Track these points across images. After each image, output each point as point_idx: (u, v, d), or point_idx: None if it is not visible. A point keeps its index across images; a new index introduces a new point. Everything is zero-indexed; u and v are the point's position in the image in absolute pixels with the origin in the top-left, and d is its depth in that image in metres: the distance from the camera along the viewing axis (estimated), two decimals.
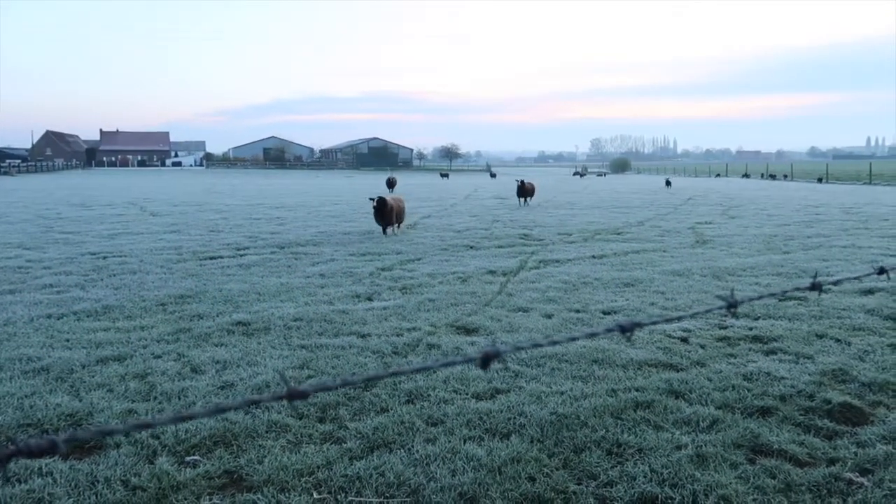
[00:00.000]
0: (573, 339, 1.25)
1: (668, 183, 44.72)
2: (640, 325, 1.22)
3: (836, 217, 19.78)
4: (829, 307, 7.63)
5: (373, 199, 15.01)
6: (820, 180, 54.90)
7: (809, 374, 5.40)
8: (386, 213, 14.85)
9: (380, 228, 15.35)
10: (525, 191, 25.41)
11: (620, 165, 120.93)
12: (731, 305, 1.49)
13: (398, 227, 15.68)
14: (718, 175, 76.13)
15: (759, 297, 1.92)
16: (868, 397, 4.94)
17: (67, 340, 6.37)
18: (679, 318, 1.51)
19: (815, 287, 1.73)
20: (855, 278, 2.52)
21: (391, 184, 36.39)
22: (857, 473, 3.82)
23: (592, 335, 1.21)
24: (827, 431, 4.38)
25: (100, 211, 21.98)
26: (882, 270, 1.98)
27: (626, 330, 1.21)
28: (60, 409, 4.69)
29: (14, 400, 4.83)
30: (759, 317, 7.22)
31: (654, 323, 1.44)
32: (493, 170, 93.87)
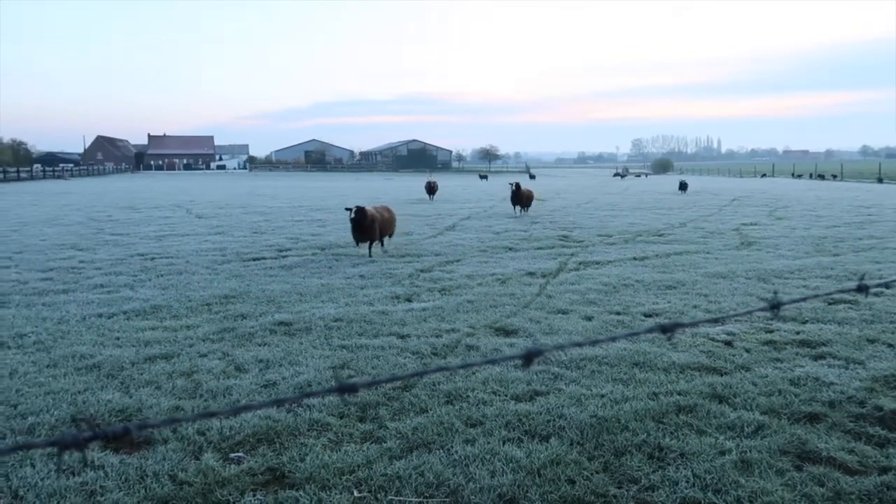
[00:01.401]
0: (613, 339, 1.25)
1: (682, 186, 35.41)
2: (680, 326, 1.21)
3: (889, 218, 19.13)
4: (882, 311, 7.39)
5: (350, 210, 11.79)
6: (881, 180, 50.72)
7: (860, 380, 5.24)
8: (365, 228, 11.72)
9: (355, 244, 12.42)
10: (520, 198, 21.30)
11: (662, 166, 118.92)
12: (774, 307, 1.47)
13: (382, 244, 12.68)
14: (764, 175, 74.34)
15: (803, 299, 1.88)
16: None
17: (117, 339, 6.58)
18: (720, 320, 1.49)
19: (862, 289, 1.68)
20: None
21: (431, 189, 30.87)
22: None
23: (632, 335, 1.21)
24: (879, 439, 4.24)
25: (148, 213, 22.61)
26: None
27: (666, 330, 1.21)
28: (111, 404, 4.85)
29: (68, 395, 5.01)
30: (808, 320, 7.03)
31: (694, 324, 1.42)
32: (532, 171, 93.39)
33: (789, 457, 4.01)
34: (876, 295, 8.11)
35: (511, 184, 21.96)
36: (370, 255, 11.91)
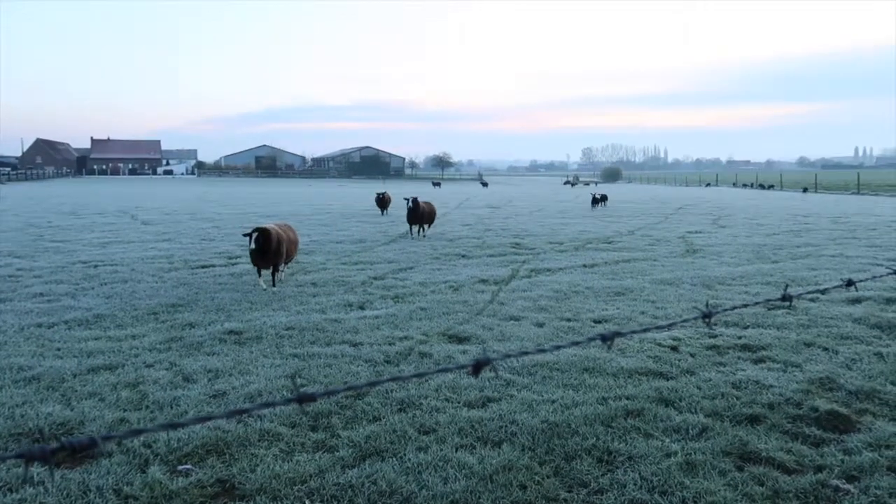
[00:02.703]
0: (558, 347, 1.30)
1: (596, 200, 28.89)
2: (620, 335, 1.26)
3: (824, 227, 19.97)
4: (817, 316, 7.71)
5: (249, 236, 9.35)
6: (805, 190, 52.81)
7: (797, 383, 5.46)
8: (271, 254, 9.45)
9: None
10: (420, 216, 16.71)
11: (611, 174, 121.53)
12: (707, 315, 1.54)
13: (284, 269, 10.43)
14: (709, 184, 76.63)
15: (732, 308, 1.99)
16: (855, 405, 5.00)
17: (58, 349, 6.36)
18: (658, 328, 1.56)
19: (786, 299, 1.78)
20: (822, 291, 2.59)
21: (383, 203, 24.74)
22: (843, 480, 3.87)
23: (575, 344, 1.26)
24: (814, 439, 4.43)
25: (91, 219, 21.90)
26: (850, 283, 2.04)
27: (607, 339, 1.26)
28: (52, 418, 4.68)
29: (5, 409, 4.82)
30: (748, 325, 7.28)
31: (633, 332, 1.49)
32: (485, 179, 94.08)
33: (731, 458, 4.16)
34: (812, 301, 8.46)
35: (408, 199, 16.82)
36: (274, 285, 9.64)
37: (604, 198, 29.39)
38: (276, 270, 9.84)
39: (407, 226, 17.40)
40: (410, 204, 16.50)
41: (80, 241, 15.42)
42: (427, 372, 1.16)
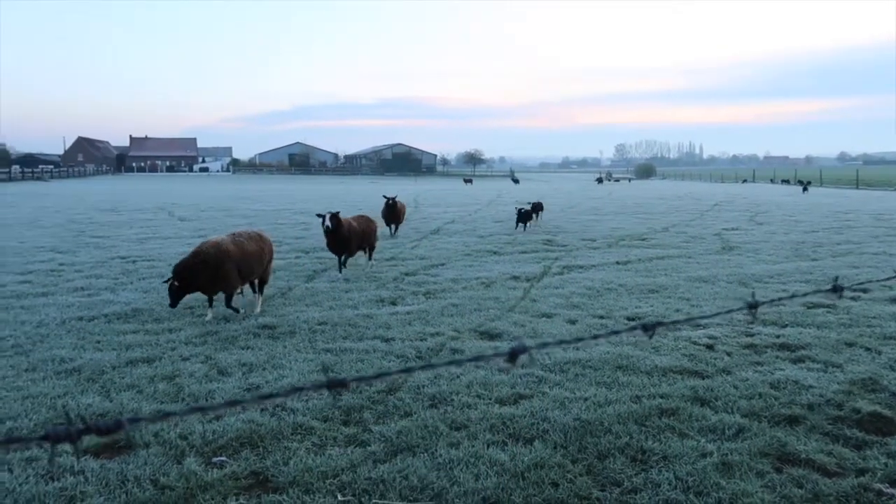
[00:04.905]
0: (596, 336, 1.27)
1: (522, 217, 17.35)
2: (662, 324, 1.23)
3: (866, 224, 19.42)
4: (859, 315, 7.50)
5: (169, 281, 7.31)
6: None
7: (838, 383, 5.32)
8: (204, 282, 7.30)
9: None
10: (343, 238, 10.44)
11: (645, 171, 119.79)
12: (752, 306, 1.50)
13: (259, 295, 8.08)
14: (745, 181, 75.07)
15: (780, 299, 1.93)
16: None
17: (98, 342, 6.51)
18: (701, 320, 1.52)
19: (836, 290, 1.72)
20: (880, 281, 2.50)
21: (395, 216, 16.50)
22: (887, 484, 3.75)
23: (614, 333, 1.24)
24: (856, 441, 4.31)
25: (129, 216, 22.39)
26: None
27: (648, 329, 1.23)
28: (92, 408, 4.80)
29: (47, 400, 4.95)
30: (787, 324, 7.12)
31: (676, 322, 1.46)
32: (517, 175, 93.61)
33: (769, 459, 4.06)
34: (853, 299, 8.23)
35: (322, 216, 10.52)
36: (209, 315, 7.43)
37: (535, 210, 18.73)
38: (211, 299, 7.53)
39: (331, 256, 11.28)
40: (327, 223, 10.33)
41: (119, 237, 15.77)
42: (461, 359, 1.15)
